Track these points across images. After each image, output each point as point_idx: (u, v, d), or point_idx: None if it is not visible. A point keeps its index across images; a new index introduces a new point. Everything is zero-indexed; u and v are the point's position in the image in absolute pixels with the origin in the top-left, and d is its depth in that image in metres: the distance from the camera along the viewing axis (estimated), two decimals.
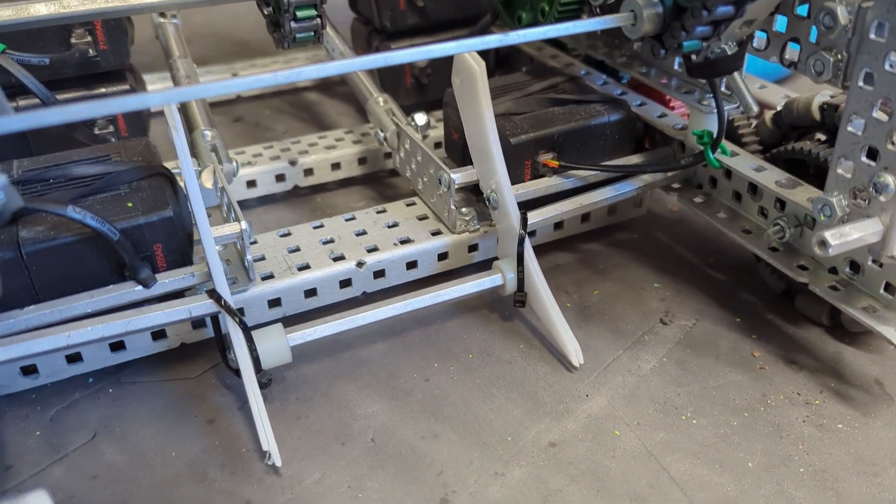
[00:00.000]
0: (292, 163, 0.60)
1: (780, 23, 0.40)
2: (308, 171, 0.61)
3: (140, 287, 0.41)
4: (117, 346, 0.44)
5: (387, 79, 0.66)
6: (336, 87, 0.79)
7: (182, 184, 0.45)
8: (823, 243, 0.37)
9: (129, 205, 0.41)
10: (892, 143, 0.36)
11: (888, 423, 0.41)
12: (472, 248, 0.51)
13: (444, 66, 0.62)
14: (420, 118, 0.57)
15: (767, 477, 0.39)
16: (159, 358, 0.46)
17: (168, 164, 0.46)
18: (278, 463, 0.39)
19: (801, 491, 0.38)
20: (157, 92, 0.28)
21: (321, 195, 0.62)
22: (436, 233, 0.51)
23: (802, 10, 0.38)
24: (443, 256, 0.51)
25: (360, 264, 0.49)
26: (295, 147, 0.62)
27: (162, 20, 0.63)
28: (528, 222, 0.47)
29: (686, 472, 0.39)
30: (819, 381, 0.44)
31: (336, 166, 0.62)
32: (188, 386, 0.45)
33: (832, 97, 0.47)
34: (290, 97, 0.78)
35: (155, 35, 0.64)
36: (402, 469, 0.40)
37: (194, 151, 0.53)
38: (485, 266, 0.49)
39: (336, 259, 0.49)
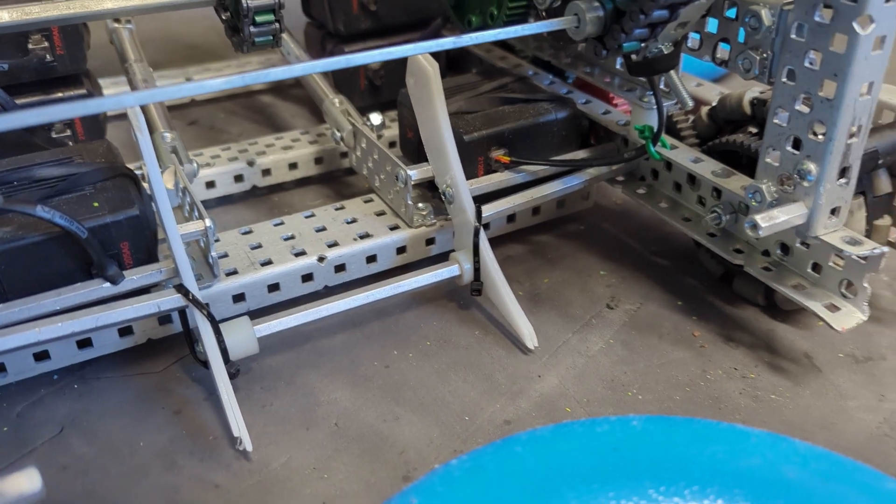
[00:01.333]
0: (250, 163, 0.61)
1: (712, 24, 0.43)
2: (266, 172, 0.62)
3: (108, 284, 0.42)
4: (84, 343, 0.45)
5: (341, 81, 0.67)
6: (289, 90, 0.80)
7: (145, 184, 0.46)
8: (755, 226, 0.40)
9: (95, 205, 0.42)
10: (814, 134, 0.40)
11: (816, 392, 0.45)
12: (430, 241, 0.54)
13: (396, 68, 0.65)
14: (375, 118, 0.59)
15: None
16: (124, 354, 0.47)
17: (128, 165, 0.47)
18: (249, 448, 0.41)
19: None
20: (131, 93, 0.29)
21: (279, 194, 0.64)
22: (394, 227, 0.53)
23: (731, 12, 0.41)
24: (401, 250, 0.53)
25: (321, 259, 0.50)
26: (252, 148, 0.63)
27: (116, 25, 0.63)
28: (483, 215, 0.49)
29: None
30: (754, 356, 0.47)
31: (293, 166, 0.63)
32: (154, 379, 0.46)
33: (761, 93, 0.50)
34: (244, 100, 0.79)
35: (109, 40, 0.64)
36: (365, 450, 0.42)
37: (155, 153, 0.54)
38: (442, 258, 0.52)
39: (297, 254, 0.50)
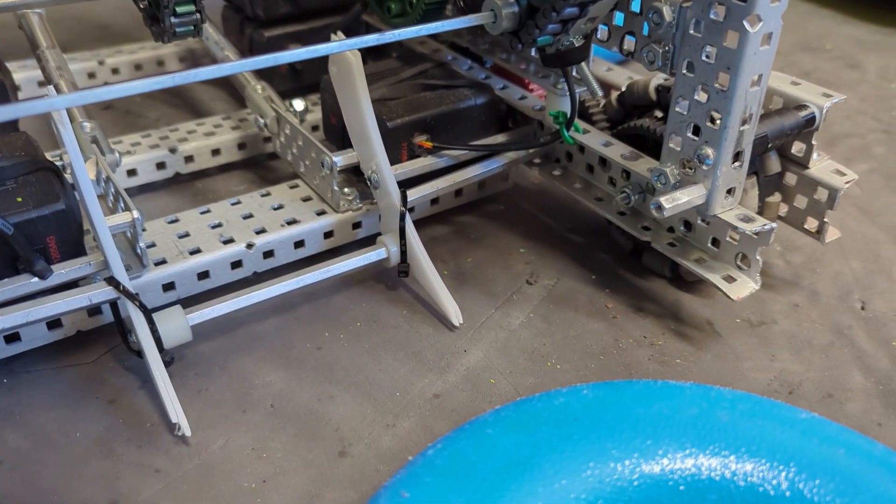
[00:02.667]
0: (172, 150, 0.61)
1: (619, 18, 0.45)
2: (189, 158, 0.62)
3: (36, 279, 0.42)
4: (12, 338, 0.45)
5: None
6: None
7: (67, 175, 0.46)
8: (659, 207, 0.44)
9: (19, 200, 0.42)
10: (711, 121, 0.43)
11: (716, 356, 0.49)
12: (356, 225, 0.55)
13: None
14: (298, 104, 0.60)
15: None
16: (53, 347, 0.47)
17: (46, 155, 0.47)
18: (188, 433, 0.42)
19: None
20: (60, 97, 0.29)
21: (202, 181, 0.64)
22: (320, 213, 0.54)
23: (636, 6, 0.44)
24: (329, 235, 0.54)
25: (249, 246, 0.51)
26: (174, 135, 0.63)
27: (26, 10, 0.62)
28: (408, 199, 0.51)
29: None
30: (662, 324, 0.51)
31: (216, 152, 0.63)
32: (85, 370, 0.47)
33: (665, 80, 0.53)
34: None
35: (18, 25, 0.63)
36: (301, 429, 0.43)
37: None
38: (369, 241, 0.53)
39: (226, 242, 0.51)
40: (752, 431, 0.37)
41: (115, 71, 0.76)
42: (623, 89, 0.57)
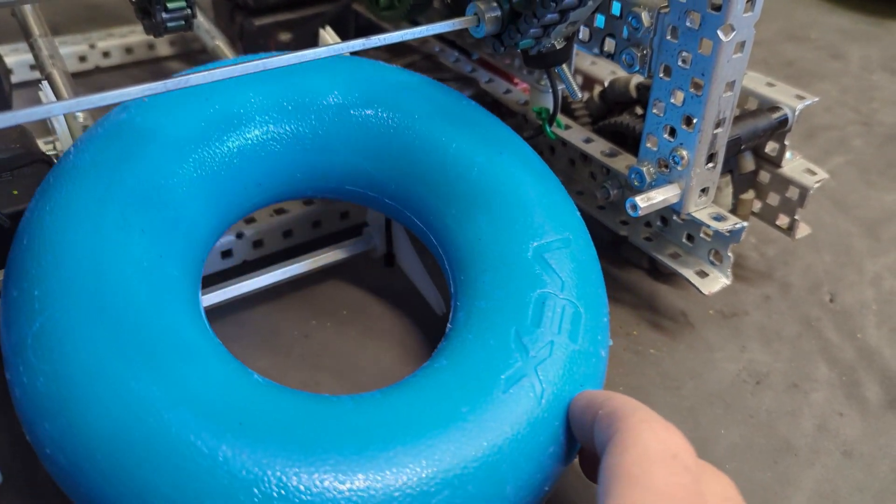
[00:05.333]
0: None
1: (600, 20, 0.47)
2: None
3: None
4: None
5: (251, 53, 0.68)
6: (198, 56, 0.80)
7: None
8: (634, 206, 0.45)
9: (15, 192, 0.43)
10: (686, 124, 0.45)
11: (689, 346, 0.51)
12: (344, 215, 0.57)
13: (305, 39, 0.66)
14: None
15: None
16: None
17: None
18: None
19: None
20: (59, 103, 0.31)
21: None
22: (308, 202, 0.56)
23: (616, 9, 0.46)
24: (317, 224, 0.56)
25: (239, 235, 0.53)
26: None
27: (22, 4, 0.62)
28: None
29: None
30: (637, 315, 0.53)
31: None
32: None
33: (645, 78, 0.55)
34: (151, 67, 0.79)
35: (11, 12, 0.63)
36: None
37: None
38: (356, 231, 0.55)
39: None
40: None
41: (105, 54, 0.76)
42: (605, 85, 0.58)
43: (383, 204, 0.45)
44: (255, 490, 0.30)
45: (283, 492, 0.30)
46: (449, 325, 0.40)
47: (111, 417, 0.30)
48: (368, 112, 0.44)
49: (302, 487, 0.30)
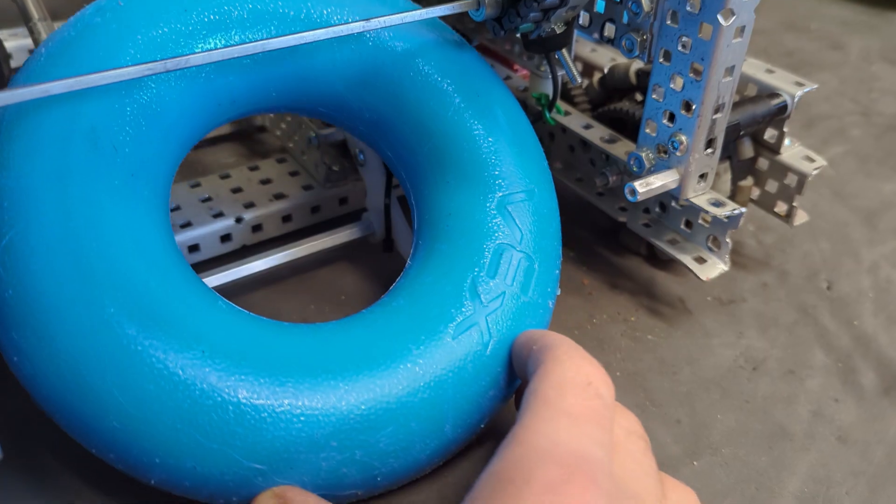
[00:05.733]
0: None
1: (600, 5, 0.47)
2: None
3: None
4: None
5: None
6: None
7: None
8: (633, 192, 0.46)
9: None
10: (685, 109, 0.45)
11: (686, 333, 0.51)
12: (343, 200, 0.57)
13: None
14: None
15: None
16: None
17: None
18: None
19: (617, 390, 0.46)
20: (57, 82, 0.31)
21: (192, 153, 0.65)
22: (307, 187, 0.56)
23: None
24: (315, 209, 0.56)
25: (238, 220, 0.53)
26: None
27: None
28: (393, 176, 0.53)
29: None
30: (636, 301, 0.54)
31: None
32: None
33: (645, 64, 0.55)
34: None
35: None
36: None
37: None
38: (355, 216, 0.55)
39: (216, 216, 0.53)
40: None
41: None
42: (605, 71, 0.58)
43: (356, 131, 0.45)
44: (211, 407, 0.32)
45: (236, 410, 0.32)
46: (409, 261, 0.42)
47: (74, 330, 0.31)
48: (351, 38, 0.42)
49: (253, 407, 0.32)
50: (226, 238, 0.53)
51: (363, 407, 0.34)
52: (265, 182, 0.56)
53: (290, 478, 0.33)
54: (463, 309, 0.38)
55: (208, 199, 0.54)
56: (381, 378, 0.35)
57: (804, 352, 0.50)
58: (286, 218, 0.55)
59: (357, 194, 0.57)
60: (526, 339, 0.37)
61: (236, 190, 0.55)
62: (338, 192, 0.56)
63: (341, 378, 0.34)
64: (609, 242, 0.58)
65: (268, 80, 0.40)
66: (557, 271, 0.43)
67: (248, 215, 0.53)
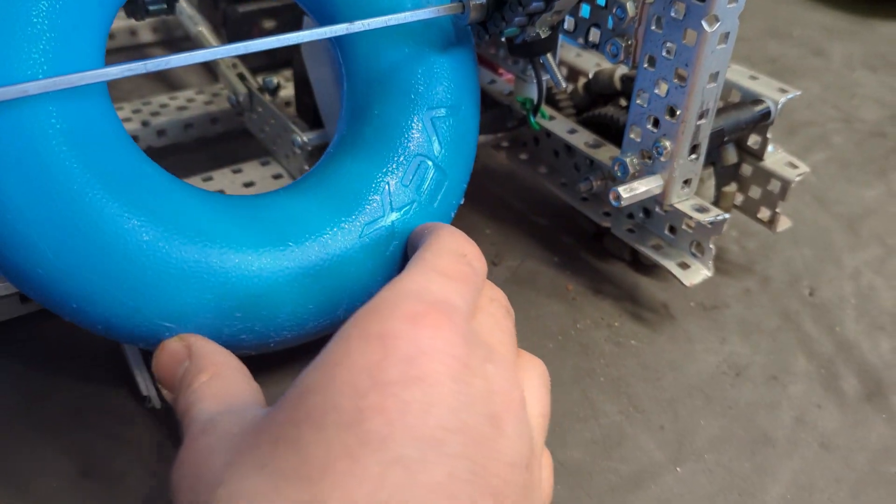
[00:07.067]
0: (145, 124, 0.62)
1: (585, 10, 0.47)
2: (161, 132, 0.63)
3: None
4: None
5: (236, 40, 0.68)
6: (181, 44, 0.80)
7: None
8: (617, 196, 0.45)
9: None
10: (669, 115, 0.45)
11: (670, 338, 0.51)
12: None
13: (290, 27, 0.66)
14: (271, 81, 0.60)
15: (575, 386, 0.47)
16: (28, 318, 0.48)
17: None
18: (158, 405, 0.43)
19: (601, 395, 0.47)
20: (34, 83, 0.30)
21: (174, 155, 0.64)
22: None
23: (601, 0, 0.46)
24: None
25: None
26: (146, 108, 0.63)
27: None
28: None
29: None
30: (620, 306, 0.53)
31: (189, 126, 0.64)
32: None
33: (630, 69, 0.55)
34: (133, 53, 0.78)
35: None
36: None
37: None
38: None
39: None
40: None
41: None
42: (590, 76, 0.58)
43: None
44: (128, 263, 0.35)
45: (153, 270, 0.35)
46: (331, 148, 0.45)
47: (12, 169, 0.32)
48: None
49: (167, 268, 0.35)
50: None
51: (268, 280, 0.37)
52: (248, 185, 0.56)
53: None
54: (374, 208, 0.41)
55: None
56: (289, 254, 0.38)
57: (787, 358, 0.51)
58: None
59: None
60: (419, 228, 0.41)
61: (219, 192, 0.54)
62: None
63: (251, 249, 0.37)
64: (593, 248, 0.58)
65: None
66: (465, 185, 0.46)
67: None
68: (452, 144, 0.44)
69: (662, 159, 0.45)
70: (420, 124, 0.43)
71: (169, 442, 0.42)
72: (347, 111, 0.45)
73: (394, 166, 0.42)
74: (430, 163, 0.43)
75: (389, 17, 0.39)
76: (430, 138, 0.43)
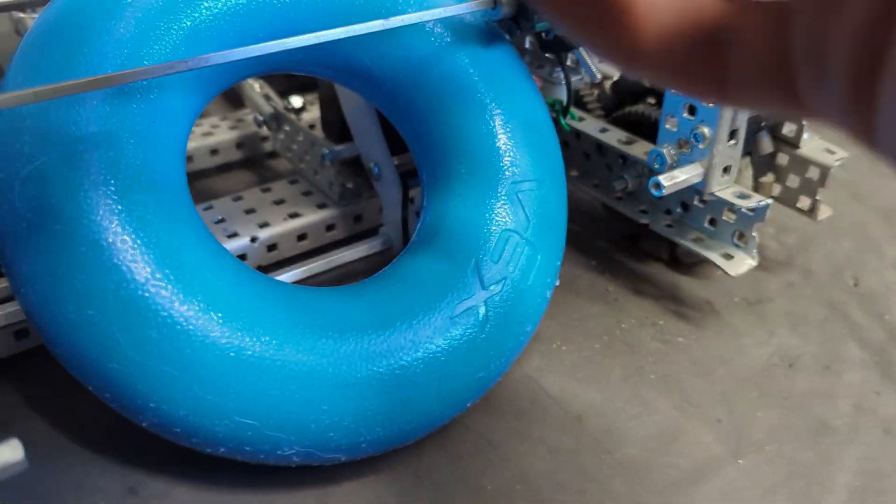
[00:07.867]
0: None
1: None
2: (188, 158, 0.63)
3: None
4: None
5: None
6: None
7: None
8: (658, 185, 0.45)
9: None
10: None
11: (716, 333, 0.50)
12: (358, 218, 0.56)
13: None
14: (296, 101, 0.61)
15: (625, 385, 0.46)
16: None
17: None
18: None
19: (652, 392, 0.46)
20: (42, 87, 0.30)
21: (201, 181, 0.64)
22: (321, 206, 0.55)
23: None
24: (330, 227, 0.55)
25: (253, 239, 0.52)
26: None
27: (22, 15, 0.62)
28: (409, 189, 0.52)
29: (559, 388, 0.46)
30: (662, 305, 0.52)
31: (215, 152, 0.64)
32: None
33: None
34: None
35: (15, 30, 0.63)
36: None
37: None
38: (371, 233, 0.54)
39: (230, 236, 0.52)
40: None
41: None
42: (616, 77, 0.58)
43: (372, 97, 0.45)
44: (210, 359, 0.33)
45: (234, 364, 0.34)
46: (414, 237, 0.43)
47: (83, 269, 0.32)
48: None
49: (250, 362, 0.34)
50: (241, 258, 0.52)
51: (357, 373, 0.35)
52: (279, 203, 0.55)
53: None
54: (465, 289, 0.39)
55: (221, 221, 0.53)
56: (378, 347, 0.36)
57: (838, 347, 0.49)
58: (301, 236, 0.54)
59: (372, 212, 0.56)
60: None
61: (249, 211, 0.54)
62: (353, 210, 0.55)
63: (340, 342, 0.35)
64: (629, 250, 0.58)
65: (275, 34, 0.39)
66: (559, 262, 0.43)
67: (263, 234, 0.52)
68: (541, 218, 0.42)
69: (701, 146, 0.45)
70: (506, 198, 0.41)
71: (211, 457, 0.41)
72: (428, 196, 0.43)
73: (481, 243, 0.40)
74: (518, 237, 0.41)
75: (421, 13, 0.39)
76: (518, 212, 0.41)
